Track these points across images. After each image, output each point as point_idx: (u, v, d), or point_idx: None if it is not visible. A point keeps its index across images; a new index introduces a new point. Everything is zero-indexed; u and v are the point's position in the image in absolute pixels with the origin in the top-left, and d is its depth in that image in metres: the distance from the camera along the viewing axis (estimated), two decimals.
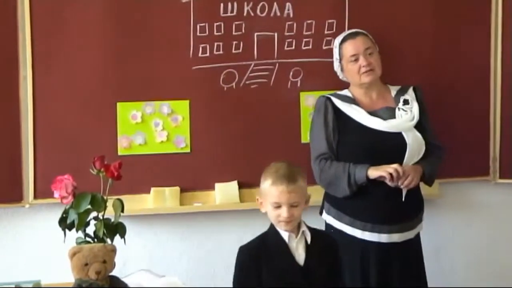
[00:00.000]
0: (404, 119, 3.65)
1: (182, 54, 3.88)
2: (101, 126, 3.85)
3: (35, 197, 3.81)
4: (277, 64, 3.98)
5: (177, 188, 3.92)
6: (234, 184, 3.94)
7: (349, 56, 3.68)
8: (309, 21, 3.98)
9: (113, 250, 2.99)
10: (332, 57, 3.83)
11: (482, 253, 4.33)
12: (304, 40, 3.99)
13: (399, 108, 3.68)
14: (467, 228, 4.31)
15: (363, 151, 3.59)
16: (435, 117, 3.81)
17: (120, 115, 3.86)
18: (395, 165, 3.49)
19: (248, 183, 3.94)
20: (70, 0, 3.77)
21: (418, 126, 3.66)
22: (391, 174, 3.48)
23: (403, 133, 3.61)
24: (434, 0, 4.10)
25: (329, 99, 3.70)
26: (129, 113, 3.87)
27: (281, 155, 3.88)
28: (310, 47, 3.99)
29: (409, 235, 3.66)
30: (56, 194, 3.08)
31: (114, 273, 3.00)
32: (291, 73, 3.99)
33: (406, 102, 3.70)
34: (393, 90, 3.77)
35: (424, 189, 3.74)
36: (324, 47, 3.99)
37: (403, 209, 3.60)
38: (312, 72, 4.00)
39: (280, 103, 3.99)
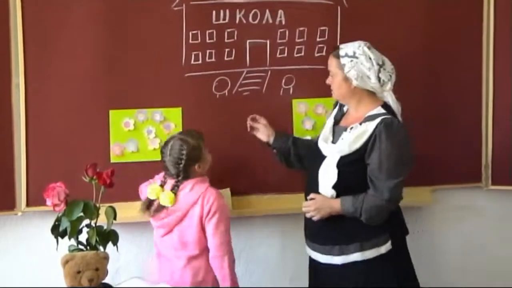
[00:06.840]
0: (337, 144, 3.45)
1: (175, 61, 3.88)
2: (93, 134, 3.85)
3: (28, 204, 3.80)
4: (269, 71, 3.98)
5: None
6: (226, 192, 3.94)
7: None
8: (301, 28, 3.99)
9: (106, 258, 2.99)
10: (323, 64, 3.86)
11: (474, 258, 4.34)
12: (296, 47, 4.00)
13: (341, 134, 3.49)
14: (459, 234, 4.32)
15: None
16: (428, 124, 3.79)
17: (112, 123, 3.86)
18: (304, 203, 3.52)
19: (241, 190, 3.96)
20: (63, 8, 3.78)
21: (360, 160, 3.39)
22: None
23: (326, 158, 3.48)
24: (426, 8, 4.12)
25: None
26: (122, 121, 3.87)
27: (273, 162, 3.89)
28: (302, 54, 4.00)
29: (332, 259, 3.49)
30: (48, 202, 3.08)
31: (106, 280, 3.01)
32: (283, 80, 4.00)
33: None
34: (370, 112, 3.44)
35: (417, 195, 3.72)
36: (316, 54, 4.00)
37: (321, 232, 3.53)
38: (304, 79, 4.00)
39: (273, 110, 3.98)
